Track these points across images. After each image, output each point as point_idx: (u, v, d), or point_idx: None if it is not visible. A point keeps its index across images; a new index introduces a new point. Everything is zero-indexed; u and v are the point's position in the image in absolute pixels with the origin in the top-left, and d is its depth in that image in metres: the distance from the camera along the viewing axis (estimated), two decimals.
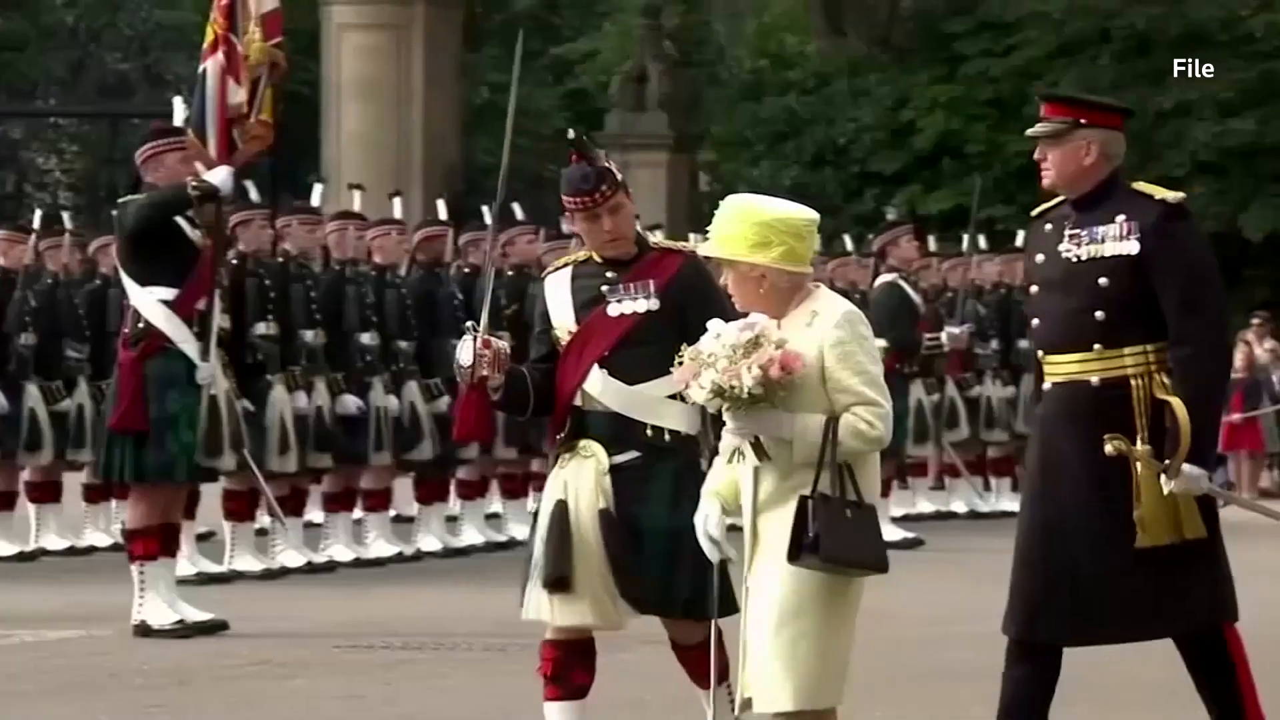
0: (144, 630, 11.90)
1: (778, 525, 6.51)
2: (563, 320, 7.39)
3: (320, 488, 15.86)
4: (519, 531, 16.31)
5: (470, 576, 14.85)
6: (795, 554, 6.45)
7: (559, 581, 7.22)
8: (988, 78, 32.99)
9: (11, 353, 16.01)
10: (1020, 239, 23.00)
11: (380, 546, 15.84)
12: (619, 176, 7.37)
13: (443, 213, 17.69)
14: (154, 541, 12.05)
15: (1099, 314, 7.11)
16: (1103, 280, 7.12)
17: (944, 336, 18.62)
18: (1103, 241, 7.16)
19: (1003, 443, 20.26)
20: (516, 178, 37.66)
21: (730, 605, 6.78)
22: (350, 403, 15.42)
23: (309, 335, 15.25)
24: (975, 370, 19.96)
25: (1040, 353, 7.33)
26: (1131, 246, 7.11)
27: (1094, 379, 7.14)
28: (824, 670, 6.49)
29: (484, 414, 7.49)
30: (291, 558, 14.99)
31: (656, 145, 35.71)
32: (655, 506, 7.25)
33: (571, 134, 7.46)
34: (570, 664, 7.32)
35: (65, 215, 18.77)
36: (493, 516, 17.37)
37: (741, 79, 38.68)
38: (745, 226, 6.59)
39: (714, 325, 6.55)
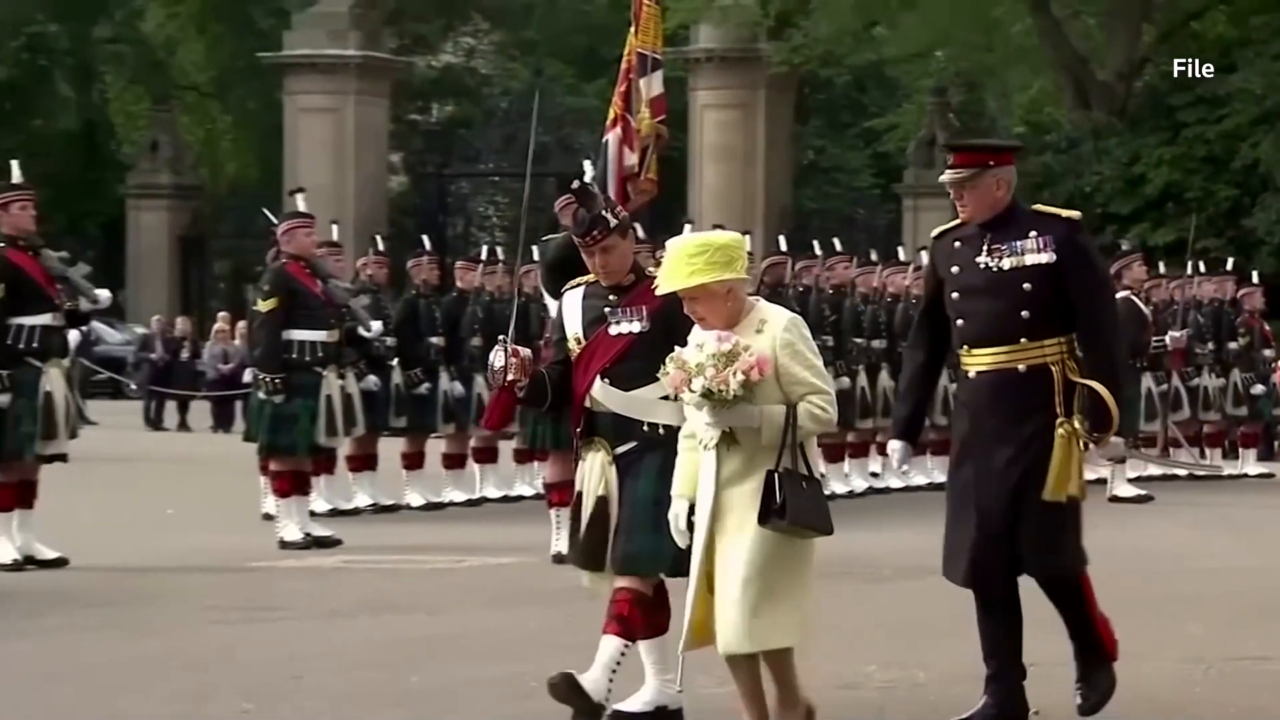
0: (559, 559, 12.01)
1: (741, 499, 6.22)
2: (573, 331, 7.03)
3: None
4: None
5: None
6: (765, 518, 6.16)
7: (594, 567, 6.93)
8: (1203, 139, 32.41)
9: (464, 353, 16.33)
10: (1230, 264, 22.61)
11: None
12: (613, 222, 6.96)
13: (783, 246, 17.68)
14: (565, 493, 12.17)
15: (1024, 313, 6.76)
16: (1026, 285, 6.77)
17: (1168, 339, 18.41)
18: (1023, 254, 6.80)
19: (1215, 421, 19.89)
20: (831, 218, 37.74)
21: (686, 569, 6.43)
22: None
23: None
24: (1194, 365, 19.62)
25: (965, 347, 6.89)
26: (1048, 257, 6.78)
27: (1021, 366, 6.77)
28: (786, 616, 6.19)
29: (509, 409, 7.20)
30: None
31: (942, 194, 35.31)
32: (645, 480, 6.84)
33: (575, 185, 7.22)
34: (648, 607, 6.94)
35: (499, 250, 19.05)
36: None
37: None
38: (709, 254, 6.29)
39: (694, 337, 6.30)
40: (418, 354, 16.04)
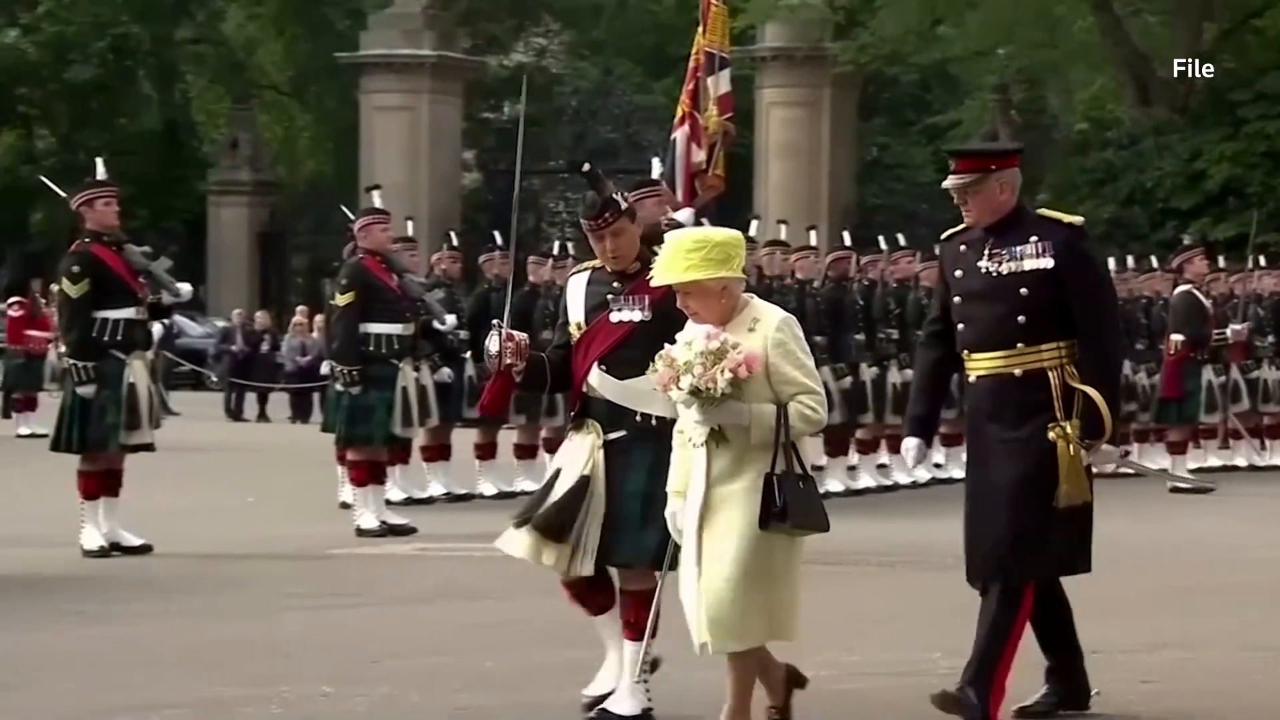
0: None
1: (731, 497, 6.07)
2: (575, 316, 6.83)
3: None
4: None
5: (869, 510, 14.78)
6: (766, 522, 6.02)
7: (519, 521, 6.73)
8: (1263, 135, 32.15)
9: (537, 345, 16.30)
10: None
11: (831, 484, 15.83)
12: (624, 205, 6.79)
13: (847, 241, 17.64)
14: None
15: (1021, 318, 6.63)
16: (1024, 290, 6.63)
17: (1229, 332, 18.22)
18: (1021, 259, 6.66)
19: (1275, 413, 19.73)
20: (894, 213, 37.64)
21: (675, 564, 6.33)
22: None
23: None
24: (1255, 358, 19.45)
25: (966, 351, 6.77)
26: (1047, 262, 6.63)
27: (1017, 371, 6.63)
28: (781, 612, 6.09)
29: (505, 394, 6.94)
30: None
31: None
32: (637, 474, 6.64)
33: (586, 168, 6.92)
34: (584, 596, 6.84)
35: (569, 245, 19.07)
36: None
37: (1071, 138, 38.00)
38: (706, 250, 6.15)
39: (683, 335, 6.14)
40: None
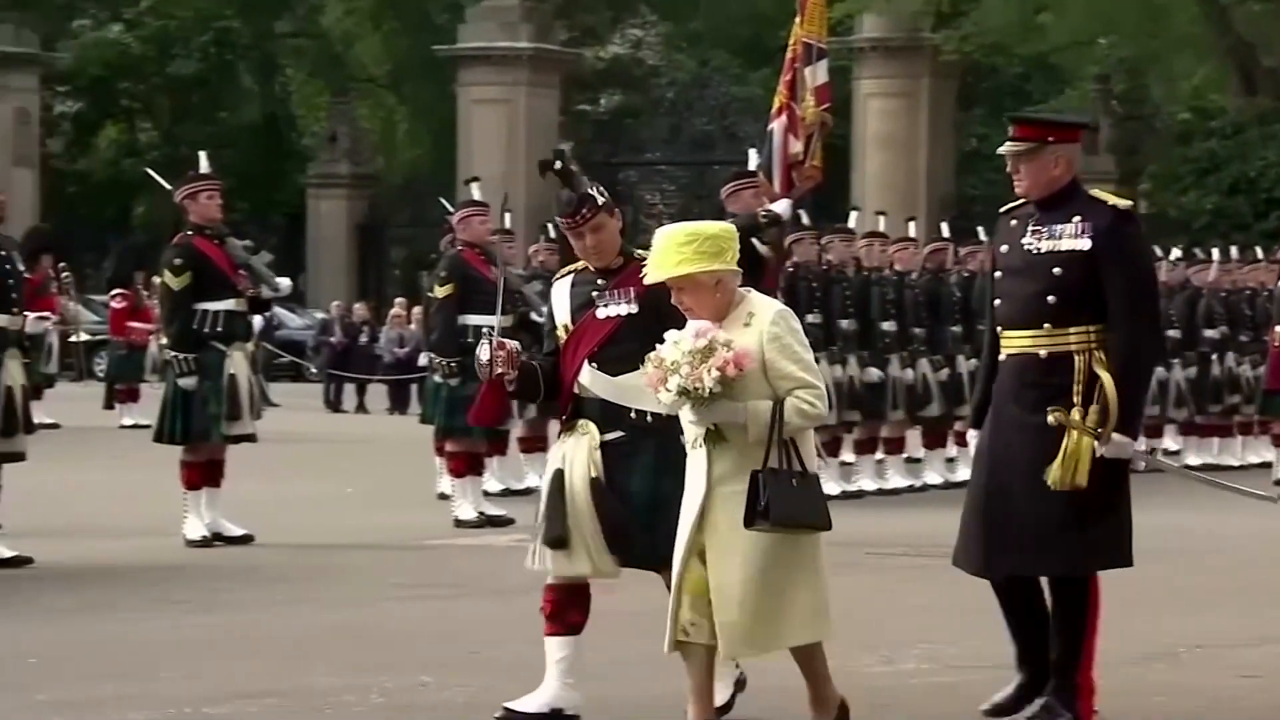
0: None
1: (734, 499, 5.90)
2: (562, 319, 6.64)
3: (851, 436, 15.89)
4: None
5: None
6: (750, 521, 5.85)
7: (556, 540, 6.52)
8: None
9: None
10: None
11: (897, 479, 15.84)
12: (601, 200, 6.55)
13: (945, 232, 17.56)
14: None
15: (1050, 298, 6.40)
16: (1056, 270, 6.41)
17: None
18: (1060, 238, 6.44)
19: None
20: (993, 205, 37.31)
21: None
22: (873, 373, 15.48)
23: (844, 324, 15.31)
24: None
25: (1000, 328, 6.57)
26: (1084, 244, 6.40)
27: (1042, 352, 6.41)
28: (798, 614, 5.92)
29: (500, 402, 6.83)
30: (829, 487, 14.96)
31: (1105, 180, 34.89)
32: (640, 477, 6.45)
33: (558, 165, 6.67)
34: (567, 605, 6.66)
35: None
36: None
37: (1173, 128, 37.65)
38: (698, 243, 5.96)
39: (670, 334, 5.95)
40: None
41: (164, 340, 12.14)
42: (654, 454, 6.42)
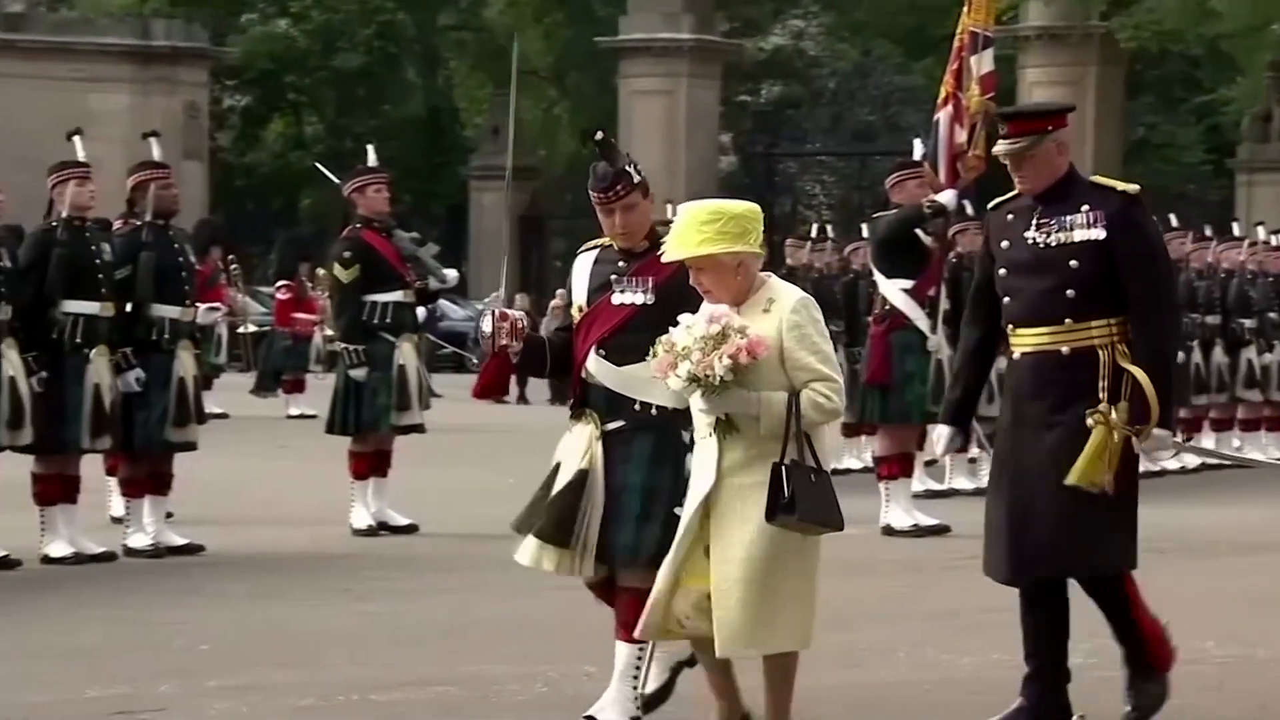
0: (888, 530, 11.97)
1: (742, 492, 5.68)
2: (579, 299, 6.41)
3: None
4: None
5: None
6: (772, 514, 5.62)
7: (522, 528, 6.42)
8: None
9: None
10: None
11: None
12: (637, 179, 6.32)
13: None
14: (895, 465, 12.12)
15: (1070, 292, 6.15)
16: (1073, 262, 6.16)
17: None
18: (1071, 229, 6.19)
19: None
20: (1161, 195, 36.97)
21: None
22: None
23: None
24: None
25: (1010, 326, 6.31)
26: (1099, 233, 6.16)
27: (1064, 348, 6.17)
28: (791, 618, 5.73)
29: (502, 376, 6.57)
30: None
31: (1278, 169, 34.39)
32: (635, 466, 6.24)
33: (599, 136, 6.42)
34: (610, 595, 6.44)
35: (828, 227, 19.02)
36: None
37: None
38: (721, 223, 5.74)
39: (684, 319, 5.74)
40: None
41: (329, 331, 12.28)
42: (651, 446, 6.21)
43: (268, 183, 45.57)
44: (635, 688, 6.34)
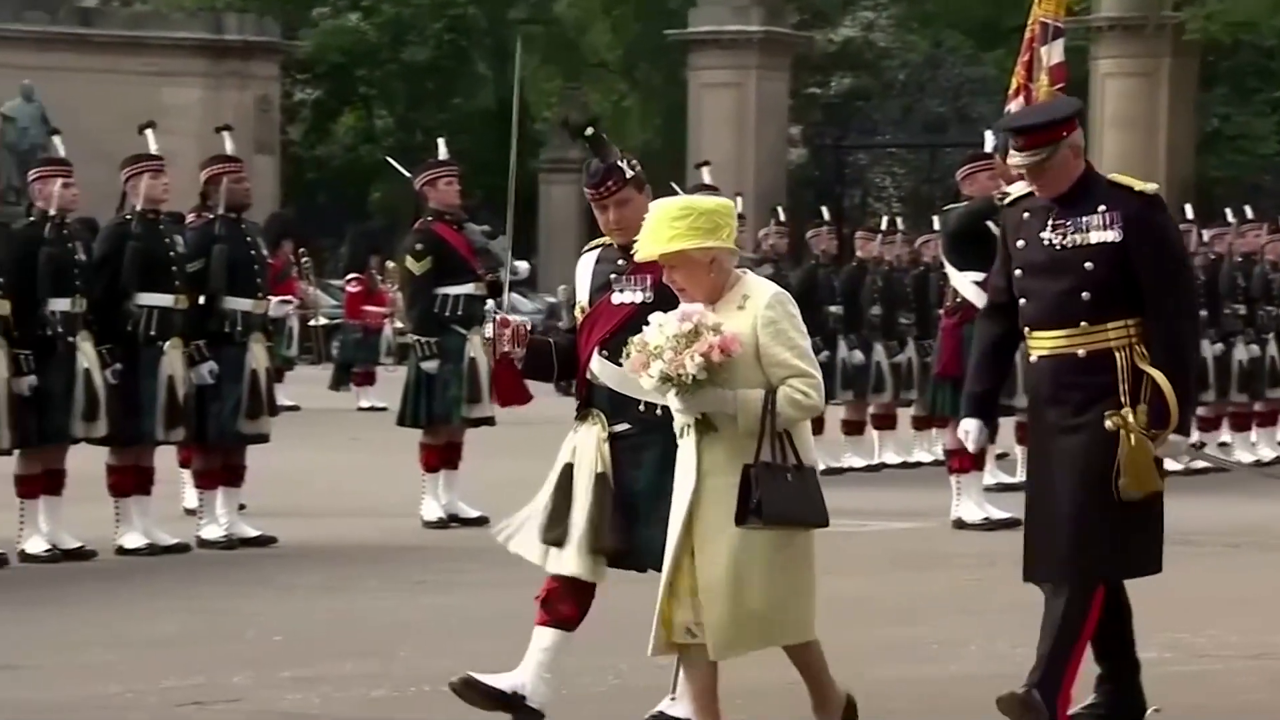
0: (959, 524, 11.91)
1: (724, 493, 5.59)
2: (581, 299, 6.34)
3: None
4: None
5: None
6: (741, 518, 5.55)
7: (555, 541, 6.35)
8: None
9: (863, 321, 16.33)
10: None
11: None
12: (629, 174, 6.22)
13: (1189, 214, 17.20)
14: (967, 459, 12.07)
15: (1085, 294, 6.05)
16: (1088, 265, 6.06)
17: None
18: (1087, 231, 6.08)
19: None
20: (1234, 186, 36.66)
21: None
22: None
23: None
24: None
25: (1027, 329, 6.22)
26: (1114, 235, 6.06)
27: (1080, 351, 6.07)
28: (789, 614, 5.67)
29: (515, 383, 6.48)
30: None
31: None
32: (647, 472, 6.12)
33: (589, 131, 6.38)
34: (563, 596, 6.44)
35: (898, 220, 18.95)
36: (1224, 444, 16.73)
37: None
38: (692, 218, 5.65)
39: (655, 317, 5.64)
40: (817, 322, 16.06)
41: (400, 324, 12.34)
42: (661, 449, 6.05)
43: (338, 176, 45.76)
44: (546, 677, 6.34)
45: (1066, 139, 6.13)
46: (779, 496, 5.56)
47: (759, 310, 5.65)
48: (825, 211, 17.52)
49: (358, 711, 6.78)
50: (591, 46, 46.87)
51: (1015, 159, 6.20)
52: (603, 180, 6.25)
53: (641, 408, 6.12)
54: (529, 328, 6.33)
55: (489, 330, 6.27)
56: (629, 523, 6.19)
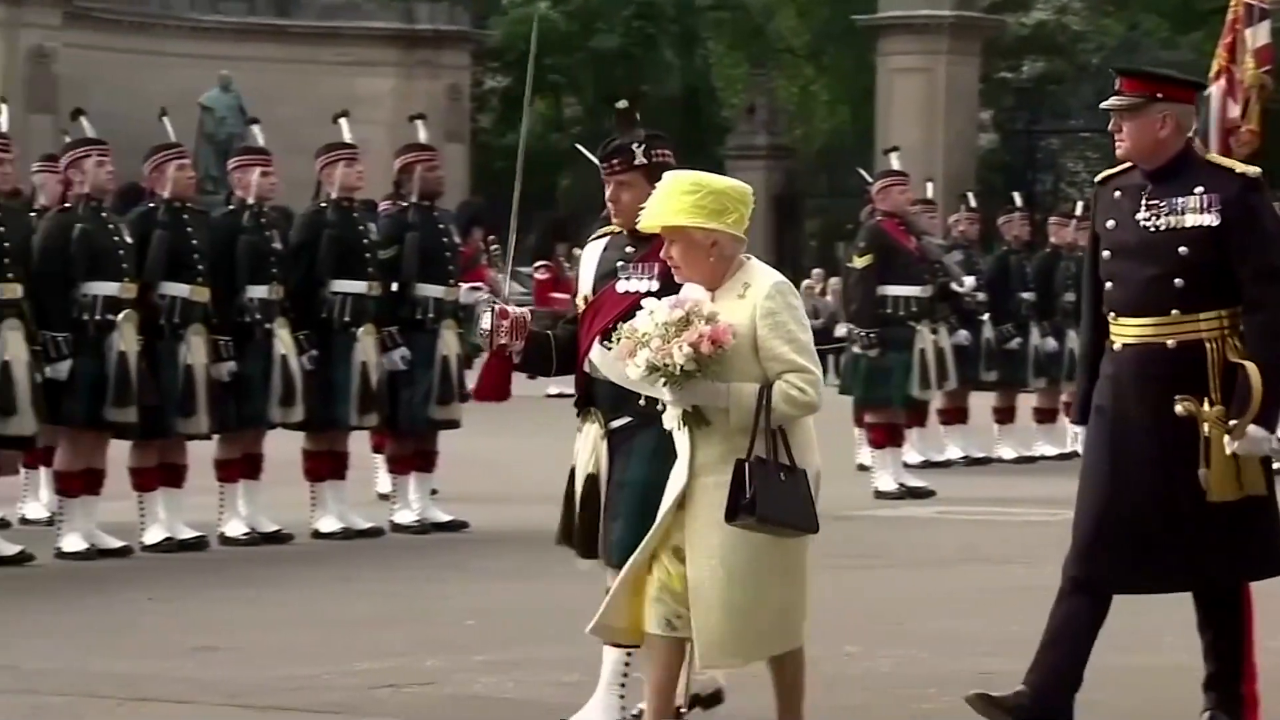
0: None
1: (715, 489, 5.35)
2: (584, 287, 6.08)
3: None
4: None
5: None
6: (732, 514, 5.30)
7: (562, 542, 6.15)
8: None
9: (1057, 308, 16.12)
10: None
11: None
12: (640, 160, 5.94)
13: None
14: None
15: (1178, 281, 5.69)
16: (1183, 249, 5.69)
17: None
18: (1182, 213, 5.72)
19: None
20: None
21: None
22: None
23: None
24: None
25: (1113, 314, 5.83)
26: (1212, 219, 5.69)
27: (1170, 342, 5.70)
28: (779, 621, 5.44)
29: (502, 378, 6.39)
30: None
31: None
32: (636, 460, 5.86)
33: (621, 104, 6.19)
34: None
35: (1079, 206, 18.71)
36: None
37: None
38: (699, 195, 5.40)
39: (647, 303, 5.42)
40: (1009, 309, 15.93)
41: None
42: (655, 439, 5.77)
43: (527, 164, 45.99)
44: (622, 695, 6.10)
45: (1159, 101, 5.80)
46: (772, 496, 5.34)
47: (758, 300, 5.43)
48: (1017, 197, 17.32)
49: (551, 696, 6.83)
50: (778, 32, 46.76)
51: (1107, 101, 5.93)
52: (609, 157, 6.05)
53: (642, 401, 5.83)
54: (528, 319, 6.12)
55: (487, 321, 6.03)
56: (616, 515, 5.95)
